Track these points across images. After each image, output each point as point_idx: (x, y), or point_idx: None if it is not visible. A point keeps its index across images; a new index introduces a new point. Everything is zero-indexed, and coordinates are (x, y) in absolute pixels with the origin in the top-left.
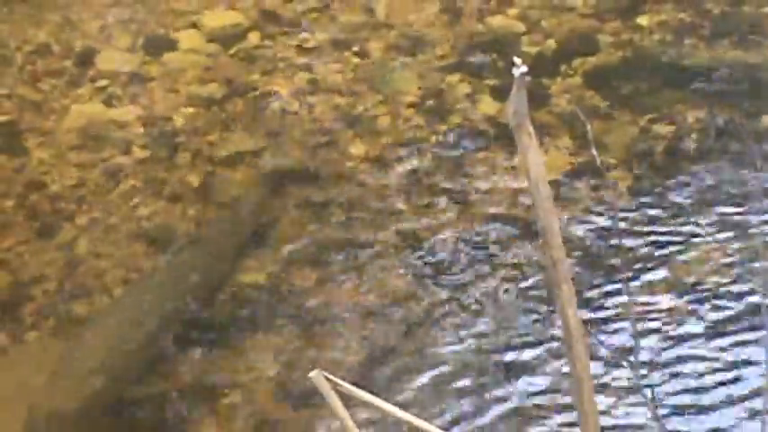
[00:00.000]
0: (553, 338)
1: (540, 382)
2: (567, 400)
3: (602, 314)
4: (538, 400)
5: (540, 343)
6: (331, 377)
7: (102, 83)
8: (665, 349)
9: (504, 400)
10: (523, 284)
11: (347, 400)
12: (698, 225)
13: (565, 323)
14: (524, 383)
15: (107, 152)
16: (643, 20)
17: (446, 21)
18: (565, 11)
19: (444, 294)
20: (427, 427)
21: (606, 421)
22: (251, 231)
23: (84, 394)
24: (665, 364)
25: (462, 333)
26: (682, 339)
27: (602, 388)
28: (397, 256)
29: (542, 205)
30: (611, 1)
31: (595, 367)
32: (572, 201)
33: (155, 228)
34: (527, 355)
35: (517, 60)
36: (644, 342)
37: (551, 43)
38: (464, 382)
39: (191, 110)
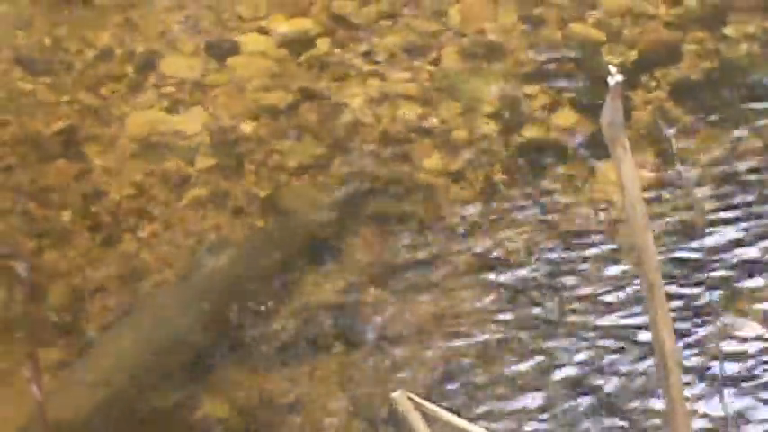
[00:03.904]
0: (632, 362)
1: (619, 404)
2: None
3: (688, 339)
4: (612, 422)
5: (621, 368)
6: (414, 397)
7: (165, 89)
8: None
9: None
10: (603, 305)
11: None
12: None
13: (659, 349)
14: (600, 405)
15: (170, 161)
16: (729, 30)
17: (524, 29)
18: (648, 19)
19: (521, 313)
20: None
21: None
22: (305, 244)
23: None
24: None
25: (538, 354)
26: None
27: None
28: (472, 274)
29: (637, 223)
30: (695, 10)
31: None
32: (652, 219)
33: (219, 241)
34: (607, 379)
35: (612, 68)
36: (731, 367)
37: (633, 53)
38: (539, 403)
39: (257, 118)
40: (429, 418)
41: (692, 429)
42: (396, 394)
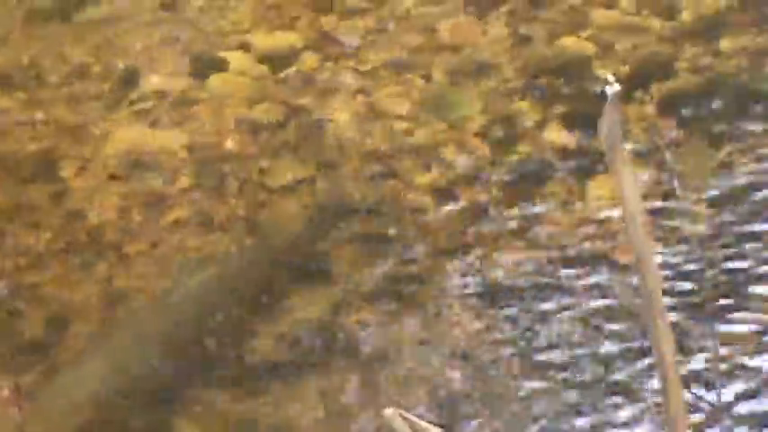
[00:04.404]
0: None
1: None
2: None
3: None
4: None
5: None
6: (407, 415)
7: (146, 106)
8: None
9: None
10: (598, 321)
11: None
12: None
13: (660, 360)
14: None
15: (151, 180)
16: (723, 44)
17: (514, 43)
18: (640, 33)
19: (512, 333)
20: None
21: None
22: (289, 263)
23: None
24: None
25: (531, 372)
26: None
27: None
28: (461, 294)
29: (636, 233)
30: (688, 23)
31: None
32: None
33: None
34: (606, 398)
35: (610, 78)
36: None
37: (626, 68)
38: (532, 423)
39: (240, 135)
40: None
41: None
42: (387, 412)
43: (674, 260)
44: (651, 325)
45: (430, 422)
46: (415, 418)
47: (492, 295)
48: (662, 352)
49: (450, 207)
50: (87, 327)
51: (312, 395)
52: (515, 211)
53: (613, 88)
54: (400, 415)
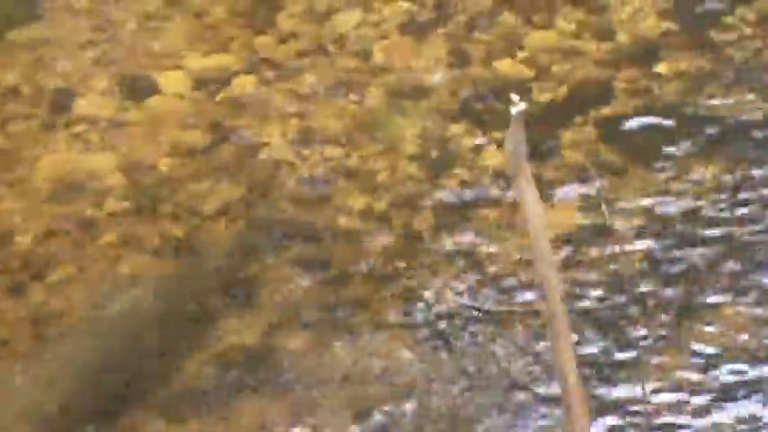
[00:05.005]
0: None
1: None
2: None
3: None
4: None
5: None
6: None
7: (78, 129)
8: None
9: None
10: (533, 349)
11: None
12: (717, 291)
13: (563, 383)
14: None
15: (83, 203)
16: (661, 67)
17: (450, 65)
18: (577, 56)
19: (446, 359)
20: None
21: None
22: (220, 286)
23: None
24: None
25: (467, 397)
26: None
27: None
28: (396, 319)
29: (541, 253)
30: (627, 47)
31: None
32: (578, 263)
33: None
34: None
35: (514, 97)
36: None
37: (563, 90)
38: None
39: (174, 159)
40: None
41: None
42: None
43: (602, 293)
44: (553, 345)
45: None
46: None
47: (428, 322)
48: (564, 373)
49: (384, 232)
50: (17, 349)
51: (242, 422)
52: (451, 237)
53: (518, 107)
54: None
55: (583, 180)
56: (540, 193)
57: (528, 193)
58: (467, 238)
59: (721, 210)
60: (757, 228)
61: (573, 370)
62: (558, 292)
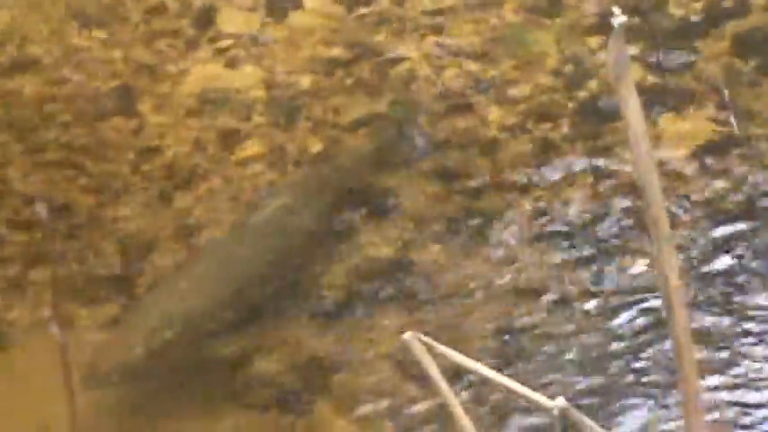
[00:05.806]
0: None
1: None
2: None
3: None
4: None
5: None
6: (426, 339)
7: (223, 44)
8: None
9: None
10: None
11: None
12: None
13: (664, 287)
14: None
15: (226, 117)
16: None
17: None
18: None
19: (580, 270)
20: (525, 391)
21: None
22: (358, 199)
23: (151, 346)
24: None
25: (593, 315)
26: None
27: None
28: (531, 230)
29: (642, 161)
30: None
31: None
32: (710, 174)
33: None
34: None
35: (616, 9)
36: None
37: (698, 5)
38: (581, 360)
39: (314, 73)
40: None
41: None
42: (406, 336)
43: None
44: (654, 249)
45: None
46: (432, 342)
47: (562, 234)
48: (665, 275)
49: (520, 144)
50: (166, 258)
51: (384, 333)
52: (586, 148)
53: (619, 19)
54: (419, 339)
55: (718, 92)
56: (674, 105)
57: (629, 100)
58: (601, 150)
59: None
60: None
61: (674, 274)
62: (659, 198)
